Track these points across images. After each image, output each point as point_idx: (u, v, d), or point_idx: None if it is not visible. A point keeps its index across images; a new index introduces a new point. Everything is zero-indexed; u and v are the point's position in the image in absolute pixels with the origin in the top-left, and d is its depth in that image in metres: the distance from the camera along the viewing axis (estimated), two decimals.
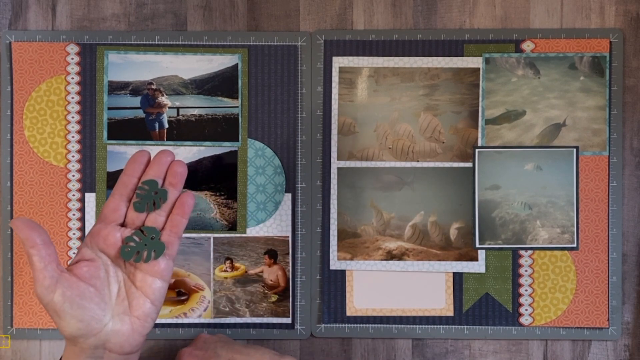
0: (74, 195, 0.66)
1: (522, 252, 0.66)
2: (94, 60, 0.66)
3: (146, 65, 0.66)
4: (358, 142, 0.66)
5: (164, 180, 0.52)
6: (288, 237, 0.66)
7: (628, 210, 0.66)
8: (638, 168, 0.66)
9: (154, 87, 0.66)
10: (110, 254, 0.50)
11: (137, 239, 0.50)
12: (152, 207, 0.51)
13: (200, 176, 0.66)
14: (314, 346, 0.67)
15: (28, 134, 0.66)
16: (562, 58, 0.66)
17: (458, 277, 0.66)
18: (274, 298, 0.66)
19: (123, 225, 0.51)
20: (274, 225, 0.66)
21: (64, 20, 0.66)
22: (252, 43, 0.66)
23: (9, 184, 0.66)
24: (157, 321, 0.66)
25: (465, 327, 0.66)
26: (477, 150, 0.66)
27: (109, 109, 0.66)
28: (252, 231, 0.66)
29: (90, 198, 0.66)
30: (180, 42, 0.66)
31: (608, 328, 0.66)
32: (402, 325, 0.66)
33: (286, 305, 0.66)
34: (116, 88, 0.66)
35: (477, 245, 0.66)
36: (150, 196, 0.51)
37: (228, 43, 0.66)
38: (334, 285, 0.66)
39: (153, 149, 0.66)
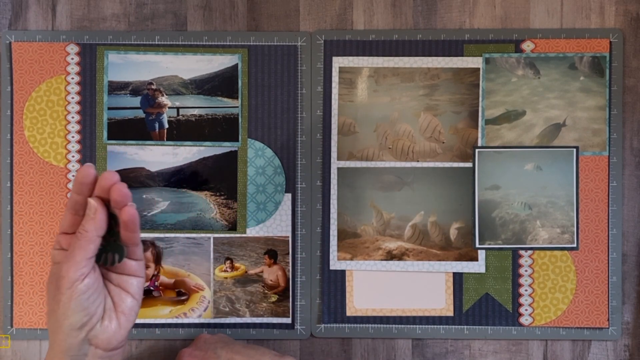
0: None
1: (522, 252, 0.66)
2: (94, 60, 0.66)
3: (146, 65, 0.66)
4: (358, 142, 0.66)
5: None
6: (288, 237, 0.66)
7: (628, 210, 0.66)
8: (638, 168, 0.66)
9: (154, 87, 0.66)
10: None
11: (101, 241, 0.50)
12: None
13: (200, 176, 0.66)
14: (314, 346, 0.67)
15: (28, 134, 0.66)
16: (562, 58, 0.66)
17: (458, 277, 0.66)
18: (274, 298, 0.66)
19: None
20: (274, 225, 0.66)
21: (64, 20, 0.66)
22: (252, 43, 0.66)
23: (9, 184, 0.66)
24: (157, 321, 0.66)
25: (465, 327, 0.66)
26: (477, 150, 0.66)
27: (109, 109, 0.66)
28: (252, 231, 0.66)
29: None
30: (180, 42, 0.66)
31: (608, 328, 0.66)
32: (402, 325, 0.66)
33: (286, 305, 0.66)
34: (116, 88, 0.66)
35: (477, 245, 0.66)
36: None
37: (228, 43, 0.66)
38: (334, 285, 0.66)
39: (153, 149, 0.66)
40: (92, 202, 0.49)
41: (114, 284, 0.52)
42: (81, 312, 0.49)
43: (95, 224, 0.49)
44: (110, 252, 0.51)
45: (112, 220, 0.50)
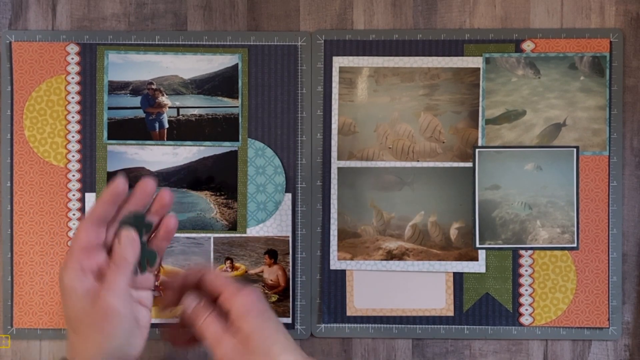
0: (74, 195, 0.66)
1: (522, 252, 0.66)
2: (94, 60, 0.66)
3: (146, 65, 0.66)
4: (358, 142, 0.66)
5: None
6: (288, 237, 0.66)
7: (628, 210, 0.66)
8: (638, 168, 0.66)
9: (154, 87, 0.66)
10: None
11: None
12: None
13: (200, 176, 0.66)
14: (314, 346, 0.67)
15: (28, 134, 0.66)
16: (562, 58, 0.66)
17: (458, 277, 0.66)
18: (274, 298, 0.66)
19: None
20: (274, 225, 0.66)
21: (64, 20, 0.66)
22: (252, 43, 0.66)
23: (9, 184, 0.66)
24: (157, 321, 0.66)
25: (465, 327, 0.66)
26: (477, 150, 0.66)
27: (109, 108, 0.66)
28: (252, 231, 0.66)
29: (90, 198, 0.66)
30: (180, 42, 0.66)
31: (608, 328, 0.66)
32: (402, 325, 0.66)
33: (286, 305, 0.66)
34: (116, 88, 0.66)
35: (477, 245, 0.66)
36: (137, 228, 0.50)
37: (228, 43, 0.66)
38: (334, 285, 0.66)
39: (153, 149, 0.66)
40: (132, 233, 0.49)
41: (134, 301, 0.50)
42: (126, 337, 0.48)
43: (134, 251, 0.49)
44: (141, 260, 0.50)
45: (144, 229, 0.50)
